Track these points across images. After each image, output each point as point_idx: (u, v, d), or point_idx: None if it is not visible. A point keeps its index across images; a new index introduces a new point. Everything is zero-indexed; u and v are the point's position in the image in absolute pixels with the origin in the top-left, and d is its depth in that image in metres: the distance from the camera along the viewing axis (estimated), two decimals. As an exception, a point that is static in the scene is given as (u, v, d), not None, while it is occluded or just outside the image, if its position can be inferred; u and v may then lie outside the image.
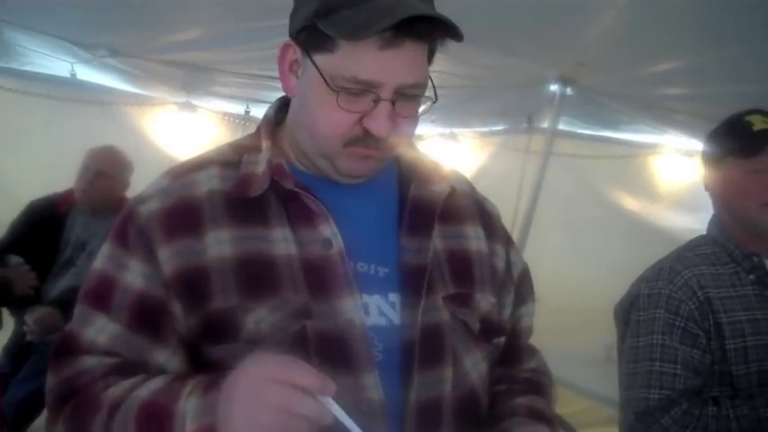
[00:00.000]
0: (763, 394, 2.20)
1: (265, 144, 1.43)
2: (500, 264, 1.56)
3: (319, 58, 1.30)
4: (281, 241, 1.33)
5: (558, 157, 5.84)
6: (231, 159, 1.44)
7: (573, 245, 6.33)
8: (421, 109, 1.39)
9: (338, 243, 1.33)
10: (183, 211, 1.36)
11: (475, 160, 7.03)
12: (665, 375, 2.23)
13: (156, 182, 1.43)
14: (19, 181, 5.08)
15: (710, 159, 2.48)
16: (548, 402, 1.55)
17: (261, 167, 1.39)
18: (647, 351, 2.28)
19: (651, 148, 6.88)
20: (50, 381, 1.38)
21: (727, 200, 2.41)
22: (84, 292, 1.41)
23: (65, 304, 4.02)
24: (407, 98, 1.32)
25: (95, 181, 4.27)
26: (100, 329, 1.34)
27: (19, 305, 4.15)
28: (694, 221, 6.41)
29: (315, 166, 1.43)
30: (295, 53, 1.38)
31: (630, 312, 2.41)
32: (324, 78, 1.29)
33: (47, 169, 5.04)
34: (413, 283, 1.37)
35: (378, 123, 1.29)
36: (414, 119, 1.37)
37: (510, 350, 1.61)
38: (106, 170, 4.32)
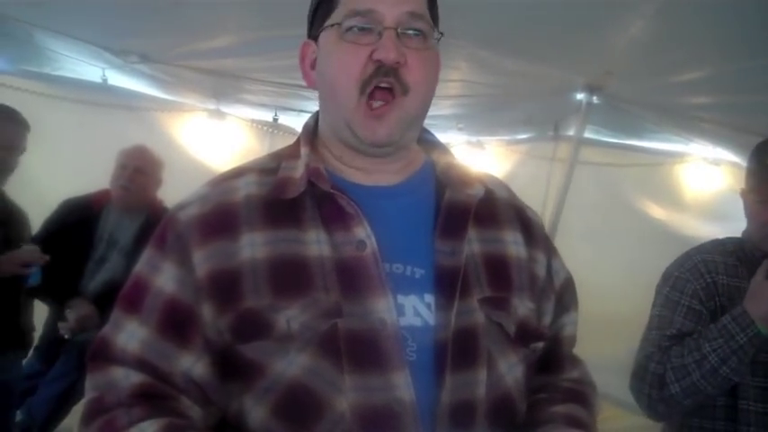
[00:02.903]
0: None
1: (304, 150, 1.47)
2: (540, 271, 1.57)
3: (327, 24, 1.44)
4: (315, 243, 1.36)
5: (584, 166, 5.83)
6: (270, 166, 1.49)
7: (599, 253, 6.29)
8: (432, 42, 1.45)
9: (372, 244, 1.35)
10: (220, 215, 1.40)
11: (501, 168, 7.01)
12: (653, 338, 2.44)
13: (198, 190, 1.48)
14: (50, 184, 5.10)
15: (759, 174, 2.49)
16: (589, 413, 1.55)
17: (299, 171, 1.43)
18: (648, 323, 2.51)
19: (677, 156, 6.84)
20: (86, 390, 1.42)
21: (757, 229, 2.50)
22: (121, 295, 1.45)
23: (103, 299, 4.09)
24: (412, 33, 1.41)
25: (135, 177, 4.38)
26: (130, 335, 1.38)
27: (58, 299, 4.24)
28: (721, 230, 6.34)
29: (349, 167, 1.48)
30: (314, 51, 1.48)
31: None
32: (332, 29, 1.42)
33: (77, 173, 5.08)
34: (447, 284, 1.38)
35: (385, 49, 1.37)
36: (427, 57, 1.43)
37: (552, 359, 1.62)
38: (143, 167, 4.43)
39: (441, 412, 1.31)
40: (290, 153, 1.51)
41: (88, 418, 1.37)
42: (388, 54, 1.37)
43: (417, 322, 1.36)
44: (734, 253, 2.50)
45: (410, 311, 1.36)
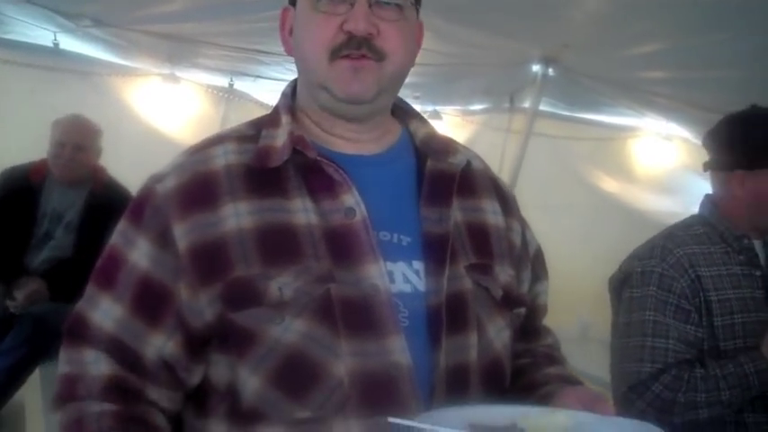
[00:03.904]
0: (746, 350, 2.29)
1: (285, 119, 1.45)
2: (517, 239, 1.58)
3: None
4: (302, 211, 1.35)
5: (539, 138, 5.88)
6: (248, 134, 1.46)
7: (551, 225, 6.32)
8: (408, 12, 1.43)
9: (362, 211, 1.34)
10: (200, 185, 1.37)
11: (457, 138, 6.92)
12: (657, 350, 2.30)
13: (174, 159, 1.45)
14: (1, 149, 5.04)
15: (735, 157, 2.44)
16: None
17: (281, 140, 1.41)
18: (640, 327, 2.35)
19: (630, 131, 6.92)
20: (60, 366, 1.41)
21: (750, 204, 2.42)
22: (96, 268, 1.43)
23: (50, 276, 4.06)
24: (387, 4, 1.38)
25: (75, 155, 4.29)
26: (105, 313, 1.37)
27: (2, 277, 4.20)
28: (672, 204, 6.47)
29: (330, 135, 1.47)
30: (293, 17, 1.46)
31: (623, 289, 2.46)
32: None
33: (29, 138, 4.97)
34: (436, 251, 1.39)
35: (355, 20, 1.34)
36: (401, 26, 1.41)
37: (529, 326, 1.64)
38: (82, 143, 4.34)
39: (438, 376, 1.32)
40: (270, 121, 1.48)
41: (60, 400, 1.37)
42: (357, 25, 1.35)
43: (407, 289, 1.36)
44: (706, 237, 2.43)
45: (399, 278, 1.36)
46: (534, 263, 1.66)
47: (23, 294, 4.10)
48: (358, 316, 1.29)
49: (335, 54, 1.36)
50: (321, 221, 1.34)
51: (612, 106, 6.17)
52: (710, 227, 2.45)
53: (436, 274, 1.37)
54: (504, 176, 5.39)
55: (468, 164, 1.54)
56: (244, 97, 6.44)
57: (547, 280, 1.71)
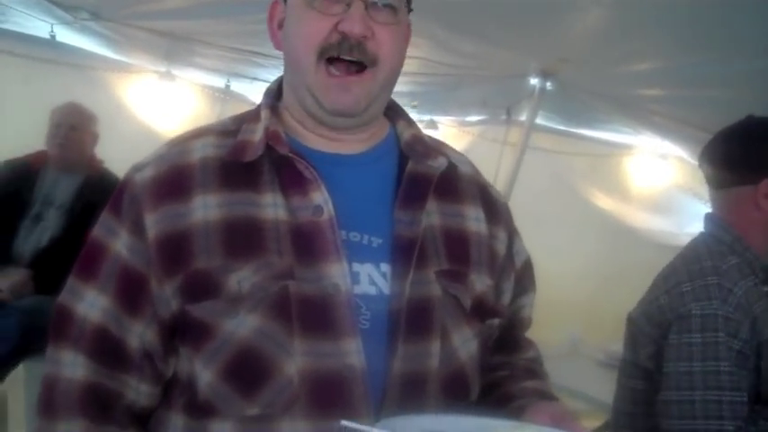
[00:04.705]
0: None
1: (264, 113, 1.46)
2: (500, 248, 1.57)
3: None
4: (271, 206, 1.35)
5: (534, 152, 5.87)
6: (229, 129, 1.47)
7: (543, 239, 6.31)
8: (402, 16, 1.44)
9: (329, 210, 1.34)
10: (174, 177, 1.38)
11: (452, 149, 7.01)
12: (736, 404, 2.09)
13: (156, 150, 1.46)
14: (-6, 140, 5.03)
15: (743, 170, 2.29)
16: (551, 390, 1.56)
17: (258, 135, 1.41)
18: (714, 379, 2.11)
19: (626, 148, 6.92)
20: (45, 363, 1.42)
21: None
22: (79, 260, 1.44)
23: (40, 259, 4.09)
24: (384, 6, 1.38)
25: (70, 135, 4.37)
26: (91, 305, 1.38)
27: None
28: (665, 223, 6.48)
29: (311, 133, 1.46)
30: (283, 11, 1.45)
31: (672, 333, 2.21)
32: None
33: (23, 130, 4.98)
34: (404, 254, 1.38)
35: (350, 21, 1.34)
36: (394, 31, 1.41)
37: (510, 338, 1.63)
38: (77, 124, 4.42)
39: (391, 381, 1.31)
40: (252, 117, 1.49)
41: (39, 406, 1.40)
42: (353, 27, 1.34)
43: (372, 291, 1.35)
44: (746, 267, 2.24)
45: (365, 280, 1.36)
46: (521, 275, 1.65)
47: (7, 286, 4.09)
48: (315, 315, 1.29)
49: (324, 54, 1.36)
50: (289, 217, 1.34)
51: (608, 123, 6.17)
52: (737, 255, 2.27)
53: (402, 277, 1.36)
54: (499, 188, 5.34)
55: (453, 168, 1.53)
56: (240, 99, 6.39)
57: (533, 293, 1.70)
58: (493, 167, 5.69)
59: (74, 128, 4.38)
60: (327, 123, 1.44)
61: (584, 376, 4.15)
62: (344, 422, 1.14)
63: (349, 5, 1.35)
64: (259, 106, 1.50)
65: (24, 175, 4.36)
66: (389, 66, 1.42)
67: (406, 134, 1.54)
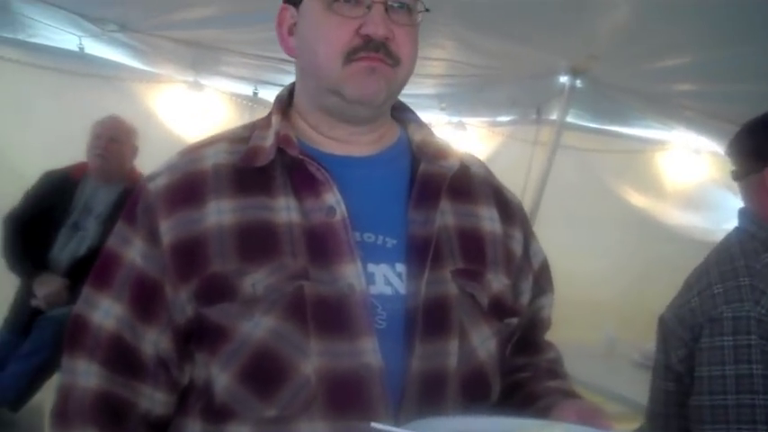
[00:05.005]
0: None
1: (275, 119, 1.46)
2: (517, 248, 1.56)
3: None
4: (284, 209, 1.35)
5: (566, 150, 5.83)
6: (242, 135, 1.48)
7: (577, 238, 6.31)
8: (417, 17, 1.44)
9: (342, 211, 1.34)
10: (187, 184, 1.39)
11: (482, 150, 6.98)
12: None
13: (168, 159, 1.47)
14: (24, 153, 5.07)
15: (757, 158, 2.25)
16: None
17: (269, 140, 1.42)
18: (747, 383, 2.06)
19: (659, 144, 6.87)
20: (61, 374, 1.44)
21: None
22: (93, 270, 1.45)
23: (76, 268, 4.17)
24: (400, 7, 1.39)
25: (110, 146, 4.43)
26: (106, 313, 1.39)
27: (27, 271, 4.31)
28: (700, 220, 6.43)
29: (324, 137, 1.46)
30: (292, 15, 1.46)
31: (703, 336, 2.16)
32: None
33: (53, 142, 5.06)
34: (419, 253, 1.37)
35: (373, 24, 1.35)
36: (411, 32, 1.42)
37: (530, 340, 1.63)
38: (117, 136, 4.49)
39: (410, 380, 1.30)
40: (263, 123, 1.49)
41: (53, 415, 1.41)
42: (377, 29, 1.35)
43: (388, 291, 1.35)
44: None
45: (381, 280, 1.36)
46: (539, 275, 1.64)
47: (43, 294, 4.19)
48: (330, 315, 1.29)
49: (350, 57, 1.36)
50: (303, 220, 1.35)
51: (640, 119, 6.13)
52: None
53: (417, 277, 1.36)
54: (531, 189, 5.37)
55: (466, 169, 1.53)
56: (268, 106, 6.17)
57: (552, 294, 1.69)
58: (524, 167, 5.67)
59: (113, 140, 4.44)
60: (347, 116, 1.44)
61: (621, 377, 4.10)
62: (374, 424, 1.14)
63: (369, 8, 1.35)
64: (270, 112, 1.51)
65: (64, 184, 4.43)
66: (408, 67, 1.43)
67: (417, 136, 1.54)
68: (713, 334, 2.13)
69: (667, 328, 2.32)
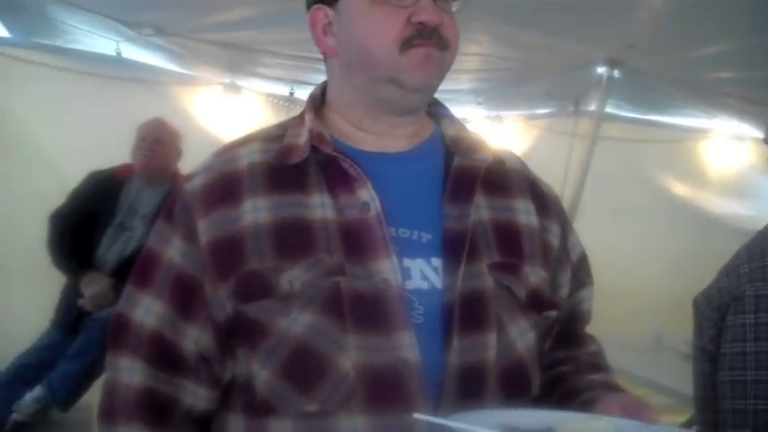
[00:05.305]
0: None
1: (308, 117, 1.47)
2: (554, 240, 1.55)
3: None
4: (319, 206, 1.36)
5: (605, 141, 5.79)
6: (275, 134, 1.49)
7: (619, 231, 6.27)
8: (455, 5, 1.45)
9: (376, 206, 1.35)
10: (223, 183, 1.41)
11: (520, 144, 6.97)
12: None
13: (204, 160, 1.49)
14: (65, 158, 5.12)
15: None
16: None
17: (303, 138, 1.43)
18: (765, 360, 2.09)
19: (700, 132, 6.81)
20: (106, 370, 1.48)
21: None
22: (134, 269, 1.48)
23: (122, 268, 4.21)
24: None
25: (154, 147, 4.48)
26: (147, 311, 1.41)
27: (73, 269, 4.35)
28: (744, 208, 6.36)
29: (363, 132, 1.47)
30: (326, 15, 1.46)
31: (728, 315, 2.19)
32: None
33: (92, 145, 5.11)
34: (454, 248, 1.37)
35: (426, 11, 1.36)
36: (454, 18, 1.43)
37: (570, 333, 1.62)
38: (162, 137, 4.54)
39: (448, 374, 1.31)
40: (296, 121, 1.51)
41: (100, 412, 1.44)
42: (430, 15, 1.35)
43: (424, 285, 1.35)
44: None
45: (417, 275, 1.36)
46: (577, 268, 1.63)
47: (90, 295, 4.24)
48: (366, 310, 1.30)
49: (406, 44, 1.36)
50: (337, 216, 1.36)
51: (681, 108, 6.08)
52: None
53: (453, 271, 1.36)
54: (570, 181, 5.33)
55: (500, 162, 1.53)
56: (304, 105, 6.27)
57: (591, 286, 1.68)
58: (563, 160, 5.64)
59: (158, 141, 4.49)
60: (400, 105, 1.44)
61: (668, 369, 4.05)
62: (417, 415, 1.15)
63: None
64: (303, 111, 1.52)
65: (109, 185, 4.48)
66: (455, 50, 1.43)
67: (450, 131, 1.55)
68: (737, 312, 2.14)
69: (698, 310, 2.34)
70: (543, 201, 1.58)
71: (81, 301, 4.26)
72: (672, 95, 5.62)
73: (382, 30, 1.37)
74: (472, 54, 4.75)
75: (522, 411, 1.26)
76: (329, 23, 1.45)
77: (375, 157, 1.44)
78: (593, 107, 5.71)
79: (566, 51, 4.94)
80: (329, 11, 1.45)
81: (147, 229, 4.30)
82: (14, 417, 4.02)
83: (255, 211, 1.36)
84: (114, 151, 4.57)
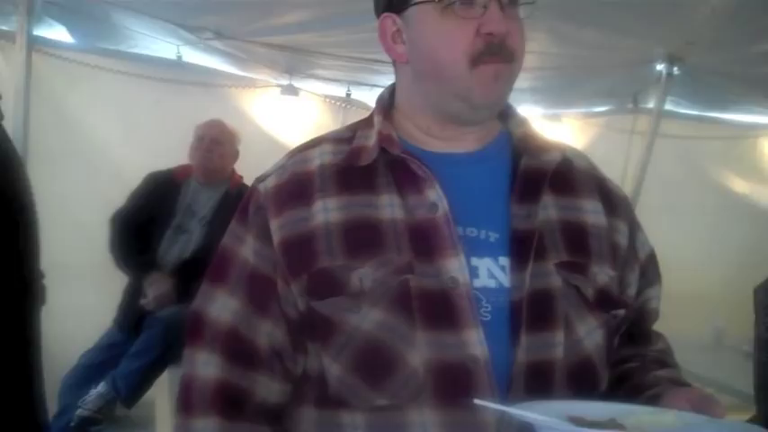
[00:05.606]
0: None
1: (377, 119, 1.50)
2: (622, 240, 1.55)
3: None
4: (388, 206, 1.39)
5: (664, 139, 5.74)
6: (345, 136, 1.52)
7: (679, 228, 6.19)
8: (524, 11, 1.45)
9: (443, 206, 1.37)
10: (295, 184, 1.45)
11: (578, 142, 6.89)
12: None
13: (277, 161, 1.54)
14: (127, 160, 5.18)
15: None
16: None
17: (372, 140, 1.46)
18: None
19: (761, 128, 6.71)
20: (183, 366, 1.50)
21: None
22: (210, 267, 1.53)
23: (182, 269, 4.30)
24: (511, 2, 1.40)
25: (212, 148, 4.55)
26: (222, 306, 1.47)
27: (135, 269, 4.43)
28: (808, 205, 6.27)
29: (430, 136, 1.49)
30: (394, 23, 1.46)
31: None
32: (430, 5, 1.38)
33: (153, 149, 5.17)
34: (522, 247, 1.39)
35: (494, 21, 1.36)
36: (521, 26, 1.43)
37: (638, 332, 1.62)
38: (219, 138, 4.62)
39: (516, 371, 1.32)
40: (365, 123, 1.53)
41: (178, 404, 1.48)
42: (499, 26, 1.36)
43: (492, 284, 1.37)
44: None
45: (484, 273, 1.38)
46: (646, 267, 1.63)
47: (153, 295, 4.31)
48: (435, 308, 1.33)
49: (476, 61, 1.37)
50: (406, 216, 1.38)
51: (741, 104, 6.00)
52: None
53: (521, 270, 1.37)
54: (629, 179, 5.29)
55: (568, 162, 1.53)
56: (361, 106, 6.39)
57: (660, 285, 1.67)
58: (621, 158, 5.60)
59: (216, 141, 4.56)
60: (467, 119, 1.46)
61: (730, 368, 4.01)
62: (477, 401, 1.18)
63: (485, 7, 1.36)
64: (372, 113, 1.54)
65: (167, 186, 4.56)
66: (521, 61, 1.44)
67: (518, 131, 1.55)
68: None
69: (758, 300, 2.34)
70: (611, 200, 1.58)
71: (143, 301, 4.33)
72: (731, 91, 5.55)
73: (452, 43, 1.38)
74: (530, 52, 4.68)
75: (587, 403, 1.27)
76: (398, 31, 1.46)
77: (443, 157, 1.46)
78: (651, 104, 5.67)
79: (624, 48, 4.90)
80: (397, 19, 1.46)
81: (204, 230, 4.42)
82: (79, 412, 4.12)
83: (326, 211, 1.39)
84: (176, 153, 4.66)
